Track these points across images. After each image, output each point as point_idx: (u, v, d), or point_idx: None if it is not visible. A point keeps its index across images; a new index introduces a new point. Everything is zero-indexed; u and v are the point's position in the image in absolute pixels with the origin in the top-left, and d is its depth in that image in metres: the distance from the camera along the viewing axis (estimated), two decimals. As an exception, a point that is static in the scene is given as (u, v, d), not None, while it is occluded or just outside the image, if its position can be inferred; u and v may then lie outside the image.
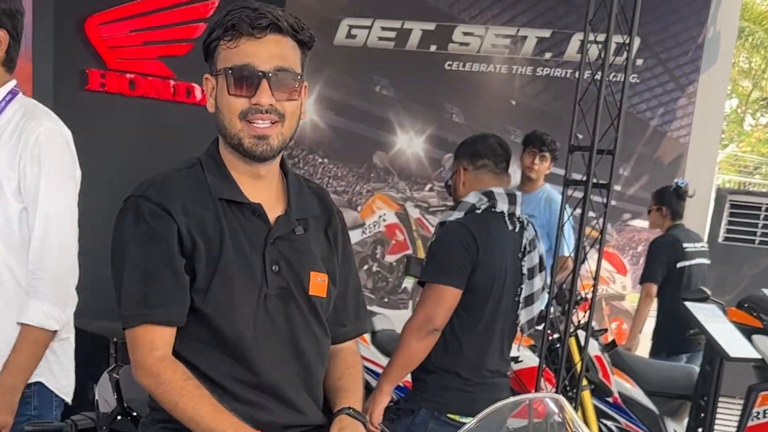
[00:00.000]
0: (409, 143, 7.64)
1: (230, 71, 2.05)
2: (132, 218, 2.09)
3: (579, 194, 5.24)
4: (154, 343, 2.01)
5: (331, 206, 2.34)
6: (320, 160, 6.86)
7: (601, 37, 5.10)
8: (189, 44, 6.61)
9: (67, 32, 6.04)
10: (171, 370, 2.01)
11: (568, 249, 5.50)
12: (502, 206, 3.69)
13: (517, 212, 3.77)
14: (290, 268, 2.16)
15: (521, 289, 3.80)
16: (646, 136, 7.64)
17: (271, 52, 2.06)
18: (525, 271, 3.79)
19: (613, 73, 5.46)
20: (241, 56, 2.04)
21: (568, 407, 1.82)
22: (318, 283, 2.20)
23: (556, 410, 1.83)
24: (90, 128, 6.29)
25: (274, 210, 2.19)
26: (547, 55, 7.60)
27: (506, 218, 3.70)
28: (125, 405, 2.70)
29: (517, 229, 3.75)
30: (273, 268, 2.14)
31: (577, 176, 5.33)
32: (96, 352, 5.53)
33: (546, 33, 7.64)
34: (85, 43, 6.24)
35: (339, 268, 2.28)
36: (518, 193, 3.84)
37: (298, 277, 2.17)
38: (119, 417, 2.71)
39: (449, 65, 7.61)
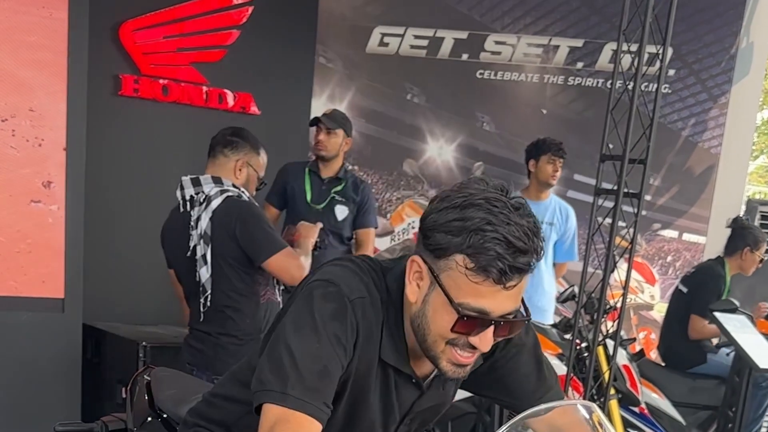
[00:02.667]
0: (440, 151, 7.65)
1: (465, 317, 1.83)
2: (333, 310, 1.91)
3: (608, 204, 5.25)
4: None
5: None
6: (351, 167, 6.87)
7: (634, 47, 5.11)
8: (222, 51, 6.68)
9: (102, 38, 6.12)
10: None
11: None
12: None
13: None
14: (422, 421, 2.20)
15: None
16: (678, 147, 7.62)
17: (511, 296, 1.83)
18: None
19: (645, 83, 5.44)
20: (479, 297, 1.82)
21: (600, 414, 1.83)
22: None
23: (588, 417, 1.84)
24: (123, 133, 6.38)
25: (427, 370, 2.09)
26: (579, 65, 7.60)
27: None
28: (156, 407, 2.72)
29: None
30: (406, 423, 2.16)
31: (606, 186, 5.33)
32: (125, 355, 5.58)
33: (578, 42, 7.64)
34: (119, 48, 6.31)
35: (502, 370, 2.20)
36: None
37: (423, 424, 2.22)
38: (150, 419, 2.73)
39: (481, 74, 7.62)
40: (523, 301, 1.91)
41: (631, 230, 5.23)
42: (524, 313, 1.93)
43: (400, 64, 7.58)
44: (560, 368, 5.34)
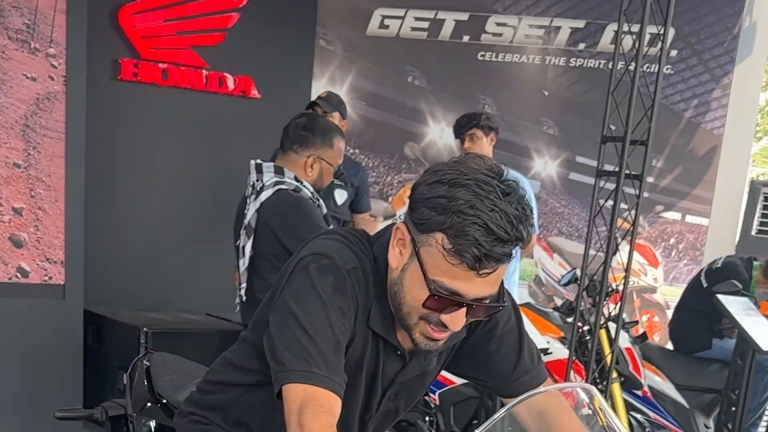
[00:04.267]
0: (441, 134, 7.61)
1: (436, 296, 1.83)
2: (332, 283, 1.91)
3: (610, 186, 5.23)
4: (333, 412, 1.84)
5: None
6: (351, 150, 6.85)
7: (636, 28, 5.08)
8: (222, 34, 6.64)
9: (101, 22, 6.08)
10: None
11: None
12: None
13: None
14: (407, 398, 2.21)
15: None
16: (680, 128, 7.58)
17: (487, 282, 1.84)
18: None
19: (647, 64, 5.40)
20: (453, 280, 1.82)
21: (599, 397, 1.82)
22: None
23: (587, 400, 1.84)
24: (123, 118, 6.35)
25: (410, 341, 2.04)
26: (581, 46, 7.55)
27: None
28: (156, 392, 2.71)
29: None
30: (390, 397, 2.16)
31: (608, 168, 5.31)
32: (126, 341, 5.57)
33: (580, 23, 7.59)
34: (119, 32, 6.28)
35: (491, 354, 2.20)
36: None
37: (410, 400, 2.24)
38: (149, 404, 2.72)
39: (482, 56, 7.58)
40: (501, 285, 1.91)
41: (633, 212, 5.20)
42: (501, 299, 1.93)
43: (400, 46, 7.53)
44: (562, 352, 5.33)
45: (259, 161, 4.04)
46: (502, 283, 1.91)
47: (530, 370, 2.21)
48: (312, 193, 3.98)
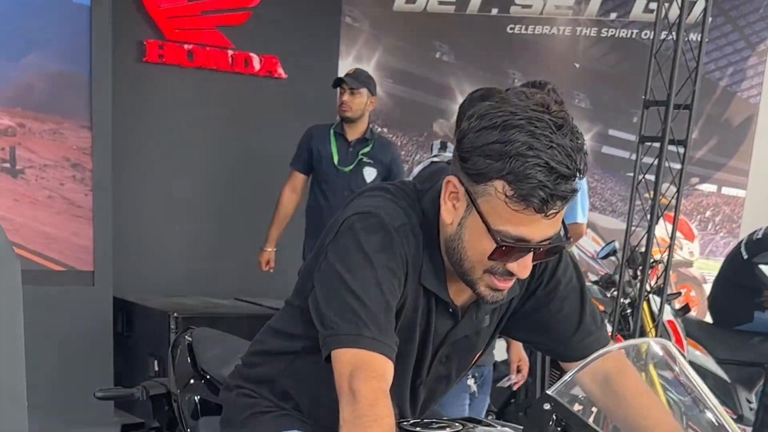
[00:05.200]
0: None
1: (503, 246, 1.76)
2: (380, 241, 1.83)
3: (647, 160, 5.14)
4: (386, 377, 1.78)
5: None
6: (379, 129, 6.75)
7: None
8: (246, 13, 6.56)
9: (126, 3, 6.01)
10: (388, 408, 1.74)
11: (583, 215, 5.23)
12: None
13: None
14: (459, 361, 2.14)
15: None
16: (715, 97, 7.46)
17: (551, 223, 1.77)
18: None
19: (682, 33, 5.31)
20: (518, 225, 1.74)
21: (675, 352, 1.76)
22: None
23: (662, 354, 1.79)
24: (149, 100, 6.29)
25: (463, 297, 2.01)
26: (612, 16, 7.42)
27: None
28: (199, 368, 2.64)
29: None
30: (441, 360, 2.09)
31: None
32: (156, 327, 5.54)
33: (611, -7, 7.47)
34: (143, 14, 6.21)
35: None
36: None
37: (462, 364, 2.17)
38: (193, 380, 2.65)
39: (511, 28, 7.45)
40: (563, 223, 1.84)
41: (671, 185, 5.12)
42: (565, 234, 1.86)
43: (428, 21, 7.42)
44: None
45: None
46: (563, 221, 1.84)
47: (593, 332, 2.13)
48: None
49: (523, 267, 1.81)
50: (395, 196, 1.94)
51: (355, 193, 2.01)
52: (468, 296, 1.98)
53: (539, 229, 1.75)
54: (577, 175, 1.71)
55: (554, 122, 1.70)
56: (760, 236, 6.11)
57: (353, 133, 5.41)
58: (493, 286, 1.85)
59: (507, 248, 1.76)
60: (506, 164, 1.68)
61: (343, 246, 1.84)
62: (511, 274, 1.82)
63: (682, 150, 5.11)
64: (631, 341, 1.78)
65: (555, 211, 1.72)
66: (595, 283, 5.62)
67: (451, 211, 1.84)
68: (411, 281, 1.89)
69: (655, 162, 5.09)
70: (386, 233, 1.83)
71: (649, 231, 5.09)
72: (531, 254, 1.80)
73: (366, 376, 1.73)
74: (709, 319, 6.44)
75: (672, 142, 5.05)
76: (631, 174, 5.24)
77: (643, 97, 5.13)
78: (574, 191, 1.73)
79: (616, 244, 5.44)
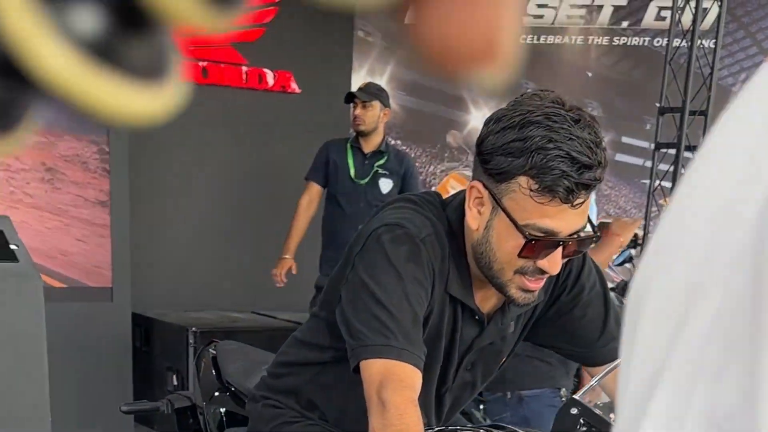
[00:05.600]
0: (484, 121, 7.52)
1: (533, 240, 1.77)
2: (407, 253, 1.85)
3: (662, 167, 5.15)
4: (415, 386, 1.79)
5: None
6: (393, 141, 6.77)
7: (680, 2, 5.01)
8: (260, 29, 6.60)
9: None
10: (417, 418, 1.76)
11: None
12: None
13: None
14: (484, 368, 2.15)
15: None
16: (728, 104, 7.45)
17: (578, 213, 1.79)
18: None
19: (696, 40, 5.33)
20: (544, 217, 1.76)
21: None
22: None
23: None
24: (164, 119, 6.31)
25: (489, 304, 2.03)
26: (624, 24, 7.43)
27: None
28: (224, 380, 2.67)
29: None
30: (467, 367, 2.11)
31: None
32: (174, 342, 5.56)
33: (622, 1, 7.47)
34: (157, 32, 6.24)
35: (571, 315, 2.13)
36: None
37: (487, 371, 2.17)
38: (218, 393, 2.67)
39: (523, 38, 7.48)
40: (590, 220, 1.86)
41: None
42: (592, 229, 1.89)
43: (440, 33, 7.44)
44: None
45: None
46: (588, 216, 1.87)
47: (617, 337, 2.12)
48: None
49: (553, 263, 1.83)
50: (421, 206, 1.96)
51: (381, 206, 2.05)
52: (494, 303, 2.01)
53: (567, 220, 1.77)
54: (599, 164, 1.74)
55: (571, 117, 1.73)
56: None
57: (368, 146, 5.44)
58: (525, 287, 1.86)
59: (536, 243, 1.78)
60: (528, 159, 1.72)
61: (370, 258, 1.86)
62: (542, 272, 1.83)
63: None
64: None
65: (581, 200, 1.75)
66: (612, 290, 5.60)
67: (476, 217, 1.86)
68: (438, 290, 1.91)
69: (671, 169, 5.10)
70: (413, 244, 1.85)
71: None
72: (560, 249, 1.81)
73: (395, 387, 1.74)
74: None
75: (688, 148, 5.06)
76: (646, 181, 5.26)
77: (658, 104, 5.14)
78: (598, 180, 1.75)
79: (632, 251, 5.43)
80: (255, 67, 6.61)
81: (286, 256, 5.59)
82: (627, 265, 5.60)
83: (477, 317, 2.01)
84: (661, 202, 5.18)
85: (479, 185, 1.83)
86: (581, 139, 1.71)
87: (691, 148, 5.06)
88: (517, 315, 2.07)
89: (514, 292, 1.87)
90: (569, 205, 1.74)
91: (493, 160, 1.77)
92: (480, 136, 1.83)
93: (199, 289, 6.46)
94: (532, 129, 1.72)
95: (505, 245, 1.82)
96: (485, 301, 1.99)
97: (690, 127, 5.04)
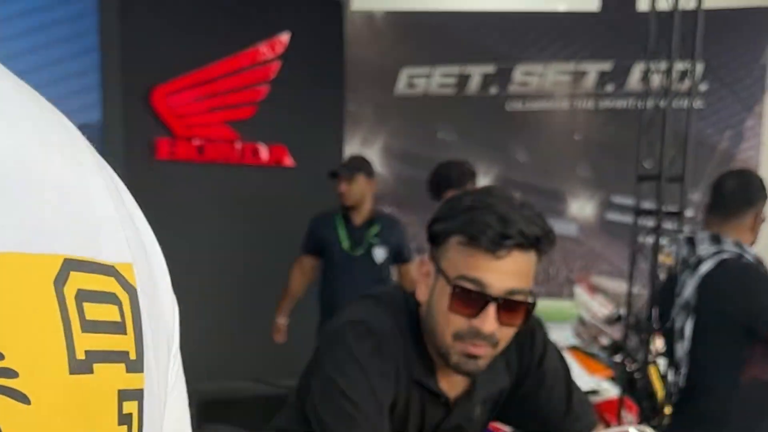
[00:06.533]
0: (474, 186, 7.68)
1: (457, 289, 1.84)
2: (370, 348, 1.93)
3: (650, 222, 5.25)
4: None
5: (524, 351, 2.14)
6: (387, 209, 6.92)
7: (663, 66, 5.13)
8: (253, 107, 6.79)
9: (136, 104, 6.25)
10: None
11: None
12: None
13: None
14: None
15: None
16: (715, 160, 7.59)
17: (508, 271, 1.82)
18: None
19: (677, 100, 5.46)
20: (472, 269, 1.82)
21: None
22: None
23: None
24: (161, 196, 6.48)
25: (455, 388, 2.07)
26: (609, 88, 7.60)
27: None
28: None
29: None
30: None
31: (645, 205, 5.33)
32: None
33: (607, 66, 7.65)
34: (153, 113, 6.44)
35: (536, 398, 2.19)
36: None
37: None
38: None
39: (511, 106, 7.66)
40: (532, 291, 1.89)
41: (674, 247, 5.21)
42: (528, 289, 1.88)
43: (429, 103, 7.64)
44: (612, 391, 5.31)
45: (688, 235, 3.75)
46: (533, 291, 1.91)
47: (581, 417, 2.21)
48: (754, 256, 3.47)
49: (485, 320, 1.84)
50: (382, 302, 2.05)
51: (345, 303, 2.15)
52: (460, 387, 2.07)
53: (495, 275, 1.81)
54: (533, 237, 1.81)
55: (506, 195, 1.86)
56: None
57: (359, 217, 5.55)
58: (466, 352, 1.89)
59: (463, 292, 1.83)
60: (459, 218, 1.83)
61: (336, 354, 1.95)
62: (478, 334, 1.86)
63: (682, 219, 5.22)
64: (614, 429, 1.88)
65: (505, 252, 1.79)
66: (604, 349, 5.71)
67: (424, 291, 1.94)
68: (403, 379, 1.98)
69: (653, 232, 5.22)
70: (376, 340, 1.94)
71: (650, 299, 5.19)
72: (493, 308, 1.83)
73: None
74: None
75: (668, 213, 5.17)
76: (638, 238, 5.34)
77: (636, 172, 5.26)
78: (526, 238, 1.80)
79: (622, 311, 5.53)
80: (249, 143, 6.78)
81: (280, 320, 5.70)
82: (619, 323, 5.70)
83: (442, 400, 2.07)
84: (642, 266, 5.27)
85: (426, 258, 1.95)
86: (511, 202, 1.82)
87: (670, 213, 5.17)
88: (484, 399, 2.12)
89: (457, 358, 1.91)
90: (493, 255, 1.79)
91: (433, 227, 1.91)
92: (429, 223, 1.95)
93: (201, 359, 6.51)
94: (464, 199, 1.87)
95: (442, 305, 1.88)
96: (450, 385, 2.05)
97: (671, 190, 5.15)
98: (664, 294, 3.87)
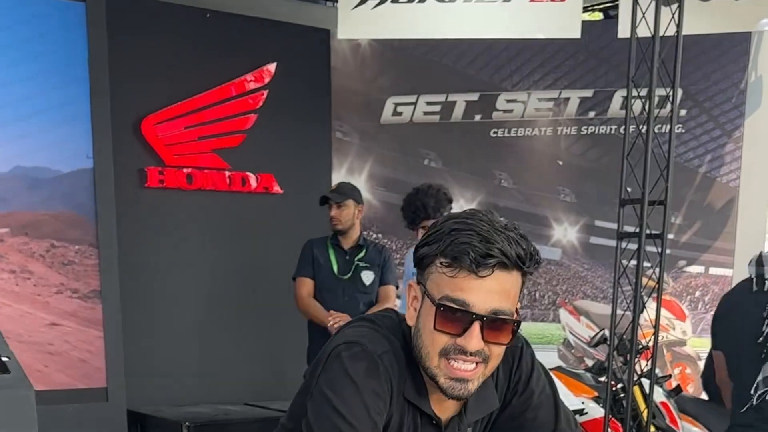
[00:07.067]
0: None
1: (441, 308, 1.87)
2: (365, 368, 1.95)
3: (632, 246, 5.34)
4: None
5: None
6: (374, 235, 7.01)
7: (644, 92, 5.24)
8: (241, 135, 6.88)
9: (125, 134, 6.33)
10: None
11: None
12: None
13: None
14: None
15: None
16: (696, 184, 7.69)
17: (491, 290, 1.85)
18: None
19: (658, 125, 5.56)
20: (456, 289, 1.85)
21: None
22: None
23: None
24: (152, 224, 6.56)
25: (447, 411, 2.11)
26: (591, 114, 7.71)
27: None
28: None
29: None
30: None
31: (628, 229, 5.43)
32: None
33: (588, 93, 7.76)
34: (143, 142, 6.52)
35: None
36: None
37: None
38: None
39: (494, 132, 7.75)
40: (517, 310, 1.94)
41: (657, 270, 5.31)
42: (512, 311, 1.91)
43: (414, 131, 7.73)
44: (598, 411, 5.39)
45: (757, 255, 3.82)
46: (518, 310, 1.95)
47: None
48: None
49: (469, 339, 1.87)
50: (378, 324, 2.08)
51: (341, 325, 2.16)
52: (451, 410, 2.09)
53: (478, 295, 1.84)
54: (516, 257, 1.84)
55: (489, 216, 1.88)
56: None
57: (347, 242, 5.67)
58: (453, 375, 1.91)
59: (447, 311, 1.86)
60: (442, 241, 1.86)
61: (331, 374, 1.98)
62: (463, 352, 1.88)
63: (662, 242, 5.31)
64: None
65: (487, 272, 1.83)
66: (588, 370, 5.79)
67: (412, 315, 1.98)
68: (396, 400, 2.01)
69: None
70: (371, 360, 1.95)
71: (634, 321, 5.28)
72: (477, 326, 1.86)
73: None
74: (705, 395, 6.57)
75: (650, 236, 5.26)
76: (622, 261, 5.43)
77: (619, 197, 5.36)
78: (507, 258, 1.84)
79: (606, 332, 5.62)
80: (238, 171, 6.86)
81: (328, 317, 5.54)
82: (603, 345, 5.78)
83: (434, 422, 2.10)
84: (626, 288, 5.36)
85: (413, 282, 1.99)
86: (493, 223, 1.86)
87: (653, 236, 5.27)
88: (475, 420, 2.15)
89: (443, 381, 1.94)
90: (475, 275, 1.82)
91: (419, 252, 1.94)
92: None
93: (193, 383, 6.63)
94: (447, 223, 1.90)
95: (428, 326, 1.91)
96: (442, 408, 2.07)
97: (654, 213, 5.25)
98: (739, 312, 3.90)
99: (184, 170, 6.67)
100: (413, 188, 5.67)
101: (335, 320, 5.39)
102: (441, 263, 1.87)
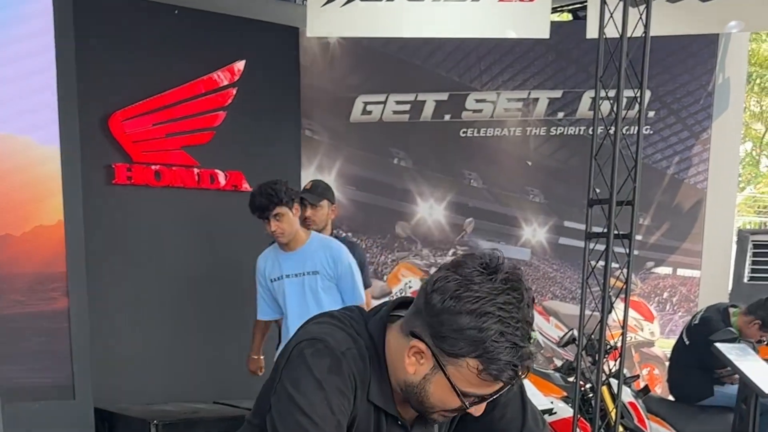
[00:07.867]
0: (430, 211, 7.77)
1: (462, 396, 1.91)
2: (328, 365, 1.96)
3: (600, 247, 5.36)
4: None
5: None
6: (344, 234, 6.98)
7: (612, 93, 5.26)
8: (210, 132, 6.84)
9: (93, 130, 6.27)
10: None
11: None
12: None
13: None
14: None
15: None
16: (664, 185, 7.74)
17: None
18: None
19: (626, 126, 5.58)
20: (482, 390, 1.89)
21: None
22: None
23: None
24: (120, 220, 6.52)
25: (412, 412, 2.12)
26: (560, 115, 7.73)
27: None
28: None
29: None
30: None
31: (596, 229, 5.45)
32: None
33: (557, 93, 7.78)
34: (110, 139, 6.47)
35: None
36: None
37: None
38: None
39: (464, 132, 7.76)
40: None
41: (625, 270, 5.33)
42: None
43: (384, 130, 7.72)
44: (566, 411, 5.41)
45: None
46: None
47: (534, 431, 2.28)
48: None
49: (478, 410, 1.97)
50: (341, 322, 2.07)
51: (304, 321, 2.15)
52: (416, 412, 2.10)
53: (500, 388, 1.90)
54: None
55: (516, 299, 1.84)
56: (697, 321, 6.38)
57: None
58: (446, 415, 2.01)
59: (468, 400, 1.92)
60: (480, 347, 1.82)
61: (294, 370, 1.98)
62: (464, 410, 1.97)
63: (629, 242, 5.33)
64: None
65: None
66: (557, 370, 5.81)
67: (414, 364, 1.95)
68: (360, 399, 2.00)
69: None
70: (334, 357, 1.96)
71: (602, 321, 5.29)
72: (483, 405, 1.96)
73: None
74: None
75: (618, 236, 5.28)
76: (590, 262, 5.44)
77: (587, 197, 5.38)
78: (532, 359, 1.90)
79: (575, 332, 5.64)
80: (207, 169, 6.83)
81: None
82: (572, 344, 5.81)
83: (400, 422, 2.11)
84: (594, 289, 5.39)
85: (422, 346, 1.92)
86: (525, 322, 1.84)
87: (621, 236, 5.29)
88: (442, 420, 2.15)
89: (436, 416, 2.01)
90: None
91: (449, 340, 1.87)
92: (434, 305, 1.89)
93: (161, 381, 6.59)
94: (486, 320, 1.82)
95: (441, 397, 1.94)
96: (406, 408, 2.08)
97: (622, 213, 5.27)
98: None
99: (153, 167, 6.62)
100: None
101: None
102: (477, 368, 1.85)
